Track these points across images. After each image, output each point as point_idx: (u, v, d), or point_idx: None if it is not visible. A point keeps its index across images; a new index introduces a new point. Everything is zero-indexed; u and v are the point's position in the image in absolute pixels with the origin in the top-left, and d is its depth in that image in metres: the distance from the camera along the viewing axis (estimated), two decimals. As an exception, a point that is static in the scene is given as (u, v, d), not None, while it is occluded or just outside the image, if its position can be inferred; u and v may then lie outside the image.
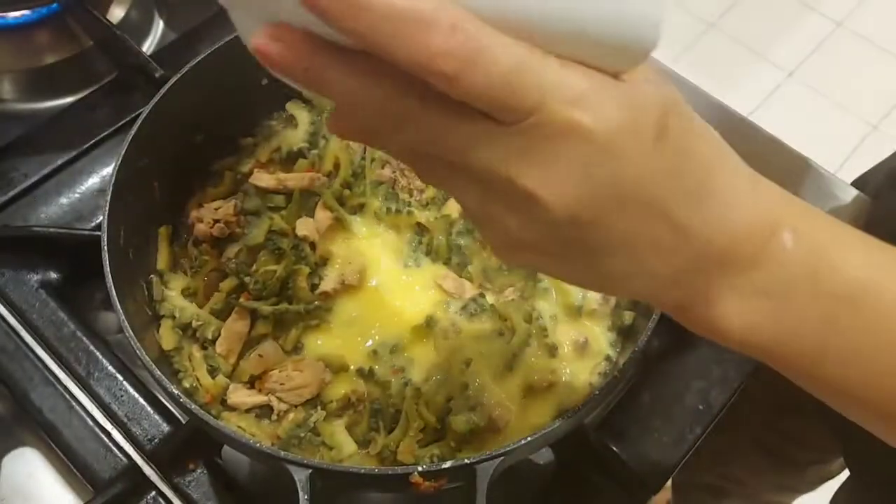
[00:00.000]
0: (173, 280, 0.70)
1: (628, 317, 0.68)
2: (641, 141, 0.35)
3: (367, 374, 0.66)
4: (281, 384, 0.66)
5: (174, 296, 0.69)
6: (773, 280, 0.39)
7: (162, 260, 0.72)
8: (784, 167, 0.84)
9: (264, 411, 0.66)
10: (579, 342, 0.67)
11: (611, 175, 0.35)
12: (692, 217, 0.37)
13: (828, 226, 0.41)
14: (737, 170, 0.40)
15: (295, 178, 0.75)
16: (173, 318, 0.68)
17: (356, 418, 0.65)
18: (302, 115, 0.78)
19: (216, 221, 0.72)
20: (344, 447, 0.63)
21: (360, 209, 0.74)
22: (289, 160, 0.77)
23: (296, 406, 0.66)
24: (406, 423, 0.63)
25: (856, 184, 0.85)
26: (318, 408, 0.66)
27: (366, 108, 0.34)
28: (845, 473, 0.94)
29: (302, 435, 0.64)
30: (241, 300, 0.68)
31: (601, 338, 0.68)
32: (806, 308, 0.39)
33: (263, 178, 0.75)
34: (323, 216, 0.72)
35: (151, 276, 0.70)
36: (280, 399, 0.66)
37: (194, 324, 0.68)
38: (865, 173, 0.92)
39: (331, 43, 0.33)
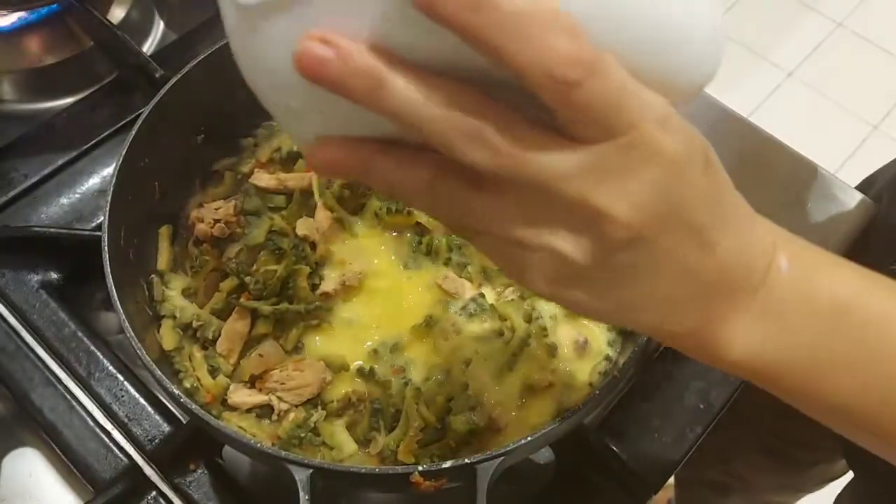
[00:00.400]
0: (174, 280, 0.70)
1: (628, 317, 0.68)
2: (696, 167, 0.36)
3: (367, 374, 0.66)
4: (281, 384, 0.66)
5: (175, 296, 0.69)
6: (772, 301, 0.40)
7: (162, 260, 0.72)
8: (784, 168, 0.84)
9: (265, 411, 0.66)
10: (579, 342, 0.67)
11: (677, 197, 0.35)
12: (720, 242, 0.38)
13: (816, 253, 0.43)
14: (744, 201, 0.41)
15: (295, 178, 0.75)
16: (174, 318, 0.68)
17: (356, 418, 0.65)
18: (302, 116, 0.78)
19: (216, 221, 0.72)
20: (344, 447, 0.63)
21: (360, 209, 0.74)
22: (289, 160, 0.77)
23: (296, 406, 0.66)
24: (406, 422, 0.63)
25: (860, 187, 0.85)
26: (319, 407, 0.66)
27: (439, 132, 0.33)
28: (850, 474, 0.94)
29: (302, 435, 0.64)
30: (242, 300, 0.68)
31: (601, 338, 0.68)
32: (800, 326, 0.40)
33: (264, 178, 0.75)
34: (323, 216, 0.72)
35: (152, 276, 0.70)
36: (280, 399, 0.66)
37: (195, 324, 0.68)
38: (869, 177, 0.92)
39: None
